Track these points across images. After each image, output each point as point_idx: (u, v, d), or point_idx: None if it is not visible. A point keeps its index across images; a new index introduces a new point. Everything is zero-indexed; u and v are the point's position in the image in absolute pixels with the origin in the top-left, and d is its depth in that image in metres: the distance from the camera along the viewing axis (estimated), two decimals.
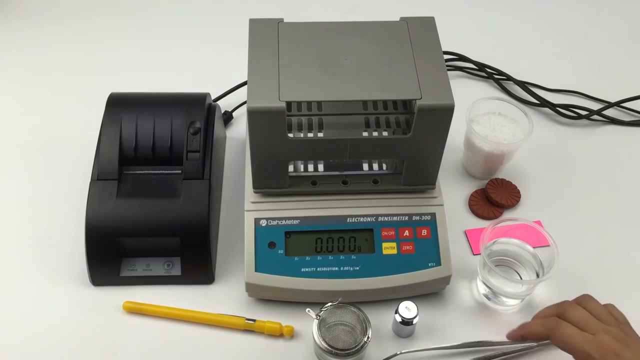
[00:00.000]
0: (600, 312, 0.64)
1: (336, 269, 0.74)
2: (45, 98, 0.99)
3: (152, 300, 0.76)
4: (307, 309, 0.69)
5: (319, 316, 0.69)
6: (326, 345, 0.67)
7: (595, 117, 0.99)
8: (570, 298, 0.78)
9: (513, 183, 0.88)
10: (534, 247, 0.78)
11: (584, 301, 0.65)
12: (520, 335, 0.67)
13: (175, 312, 0.75)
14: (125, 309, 0.75)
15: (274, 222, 0.75)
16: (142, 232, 0.75)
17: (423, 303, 0.75)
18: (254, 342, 0.74)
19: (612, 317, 0.64)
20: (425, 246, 0.75)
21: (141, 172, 0.79)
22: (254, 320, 0.74)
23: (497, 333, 0.74)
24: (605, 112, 0.99)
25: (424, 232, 0.76)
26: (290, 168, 0.77)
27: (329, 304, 0.69)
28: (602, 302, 0.78)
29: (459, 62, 1.06)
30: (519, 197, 0.87)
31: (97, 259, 0.76)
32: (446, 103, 0.67)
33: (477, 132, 0.84)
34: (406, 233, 0.75)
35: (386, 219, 0.76)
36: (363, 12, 1.14)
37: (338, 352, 0.67)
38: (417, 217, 0.76)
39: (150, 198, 0.76)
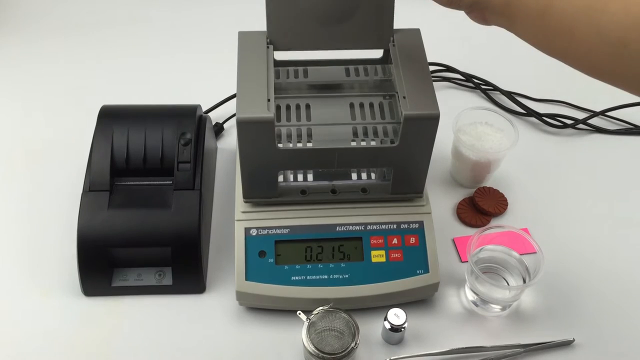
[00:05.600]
0: None
1: (326, 277, 0.75)
2: (37, 110, 1.00)
3: (143, 310, 0.77)
4: (298, 312, 0.70)
5: (309, 319, 0.70)
6: (314, 349, 0.68)
7: (581, 126, 1.00)
8: (557, 304, 0.79)
9: (500, 191, 0.90)
10: (520, 254, 0.79)
11: None
12: None
13: None
14: None
15: (264, 232, 0.76)
16: (133, 243, 0.76)
17: (412, 310, 0.76)
18: (247, 349, 0.74)
19: None
20: (413, 254, 0.76)
21: (132, 183, 0.79)
22: None
23: (485, 339, 0.75)
24: (591, 121, 1.00)
25: (412, 240, 0.77)
26: (280, 178, 0.78)
27: (320, 308, 0.70)
28: (589, 308, 0.79)
29: (446, 73, 1.07)
30: (506, 205, 0.88)
31: (89, 269, 0.76)
32: (431, 112, 0.68)
33: (463, 141, 0.86)
34: (395, 241, 0.76)
35: (375, 227, 0.77)
36: None
37: (325, 356, 0.67)
38: (405, 226, 0.77)
39: (142, 209, 0.77)
